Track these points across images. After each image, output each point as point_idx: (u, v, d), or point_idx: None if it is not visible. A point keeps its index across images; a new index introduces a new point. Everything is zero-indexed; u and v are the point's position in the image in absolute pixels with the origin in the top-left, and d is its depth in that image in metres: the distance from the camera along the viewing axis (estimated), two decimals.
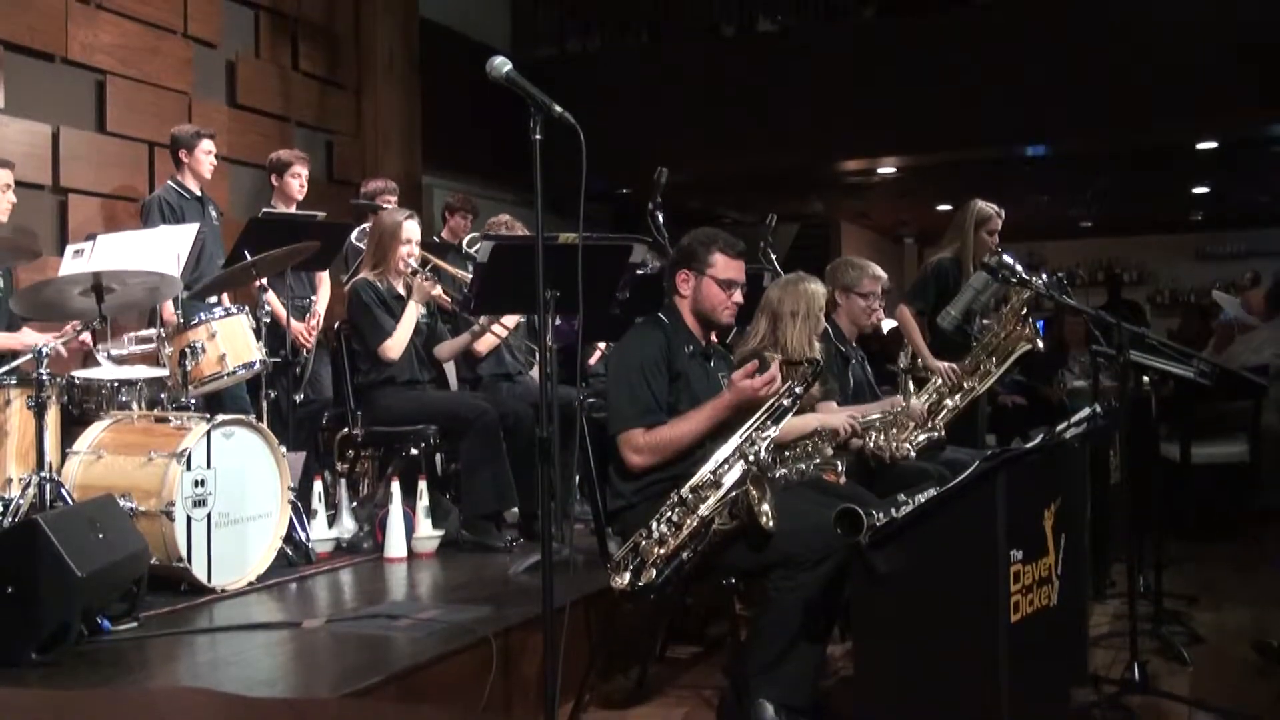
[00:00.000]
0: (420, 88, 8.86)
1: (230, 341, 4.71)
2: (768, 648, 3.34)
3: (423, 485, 4.98)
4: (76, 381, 4.46)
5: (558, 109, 2.93)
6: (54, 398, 4.23)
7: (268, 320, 5.10)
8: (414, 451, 5.13)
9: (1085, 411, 3.76)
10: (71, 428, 4.41)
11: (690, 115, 10.04)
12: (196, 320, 4.69)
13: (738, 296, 3.75)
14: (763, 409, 3.47)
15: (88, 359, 4.71)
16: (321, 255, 5.36)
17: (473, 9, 10.25)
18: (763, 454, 3.39)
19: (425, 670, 3.26)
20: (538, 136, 2.94)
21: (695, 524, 3.33)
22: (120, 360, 4.60)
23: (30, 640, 3.25)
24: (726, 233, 3.81)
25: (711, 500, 3.34)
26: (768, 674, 3.32)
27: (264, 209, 5.86)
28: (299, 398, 5.59)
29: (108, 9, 6.55)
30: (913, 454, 4.51)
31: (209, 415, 4.38)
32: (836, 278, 4.83)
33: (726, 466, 3.37)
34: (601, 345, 5.75)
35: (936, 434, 4.72)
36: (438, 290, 5.19)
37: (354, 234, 5.99)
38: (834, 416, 4.24)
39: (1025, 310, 4.87)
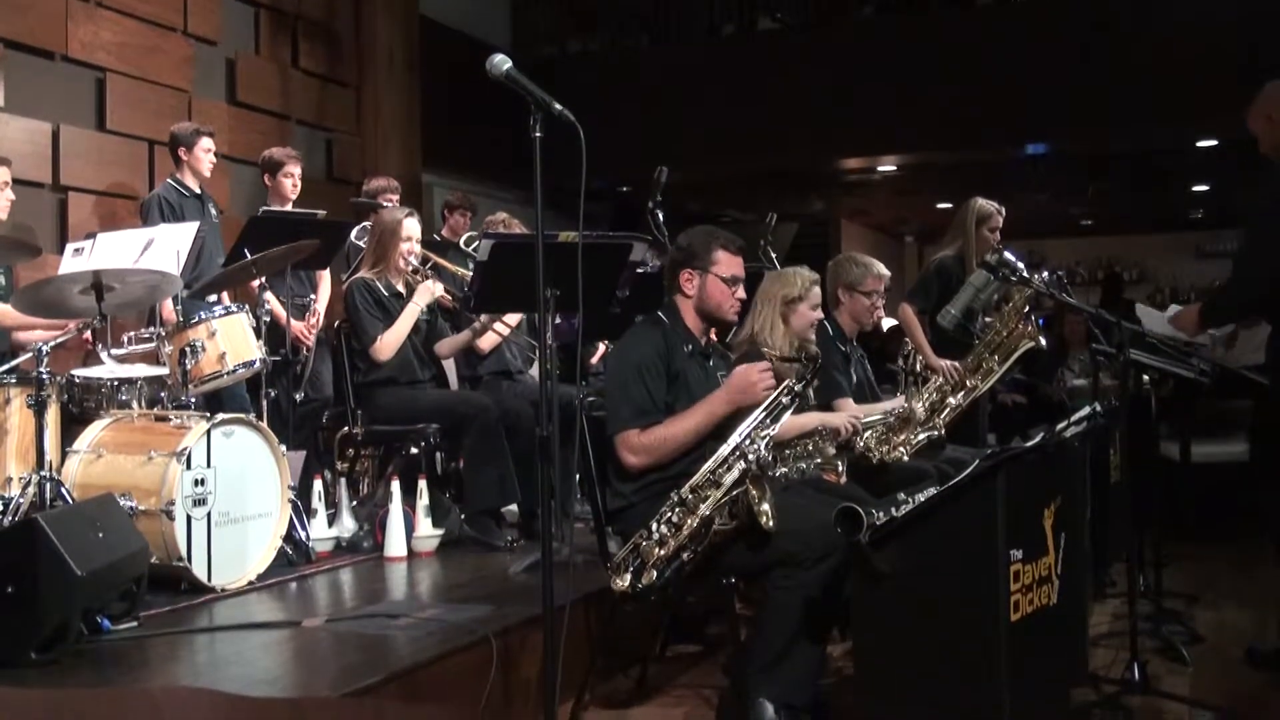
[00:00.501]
0: (420, 86, 8.86)
1: (230, 340, 4.70)
2: (768, 647, 3.34)
3: (423, 484, 4.98)
4: (76, 380, 4.45)
5: (557, 107, 2.93)
6: (54, 396, 4.22)
7: (268, 319, 5.09)
8: (414, 450, 5.13)
9: (1085, 410, 3.76)
10: (71, 426, 4.40)
11: (690, 115, 10.03)
12: (196, 319, 4.69)
13: (740, 293, 3.77)
14: (762, 407, 3.47)
15: (88, 358, 4.71)
16: (321, 254, 5.36)
17: (473, 7, 10.25)
18: (762, 453, 3.38)
19: (425, 669, 3.26)
20: (537, 135, 2.94)
21: (695, 524, 3.33)
22: (120, 359, 4.59)
23: (30, 640, 3.25)
24: (723, 230, 3.82)
25: (711, 500, 3.34)
26: (768, 673, 3.32)
27: (263, 208, 5.86)
28: (299, 396, 5.59)
29: (108, 7, 6.55)
30: (906, 456, 4.51)
31: (209, 414, 4.38)
32: (839, 275, 4.81)
33: (726, 466, 3.37)
34: (604, 344, 5.74)
35: (937, 433, 4.72)
36: (440, 291, 5.18)
37: (354, 232, 5.99)
38: (835, 415, 4.24)
39: (1027, 308, 4.86)
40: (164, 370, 4.60)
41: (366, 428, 5.21)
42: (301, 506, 4.80)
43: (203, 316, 4.71)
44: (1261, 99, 4.29)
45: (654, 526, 3.37)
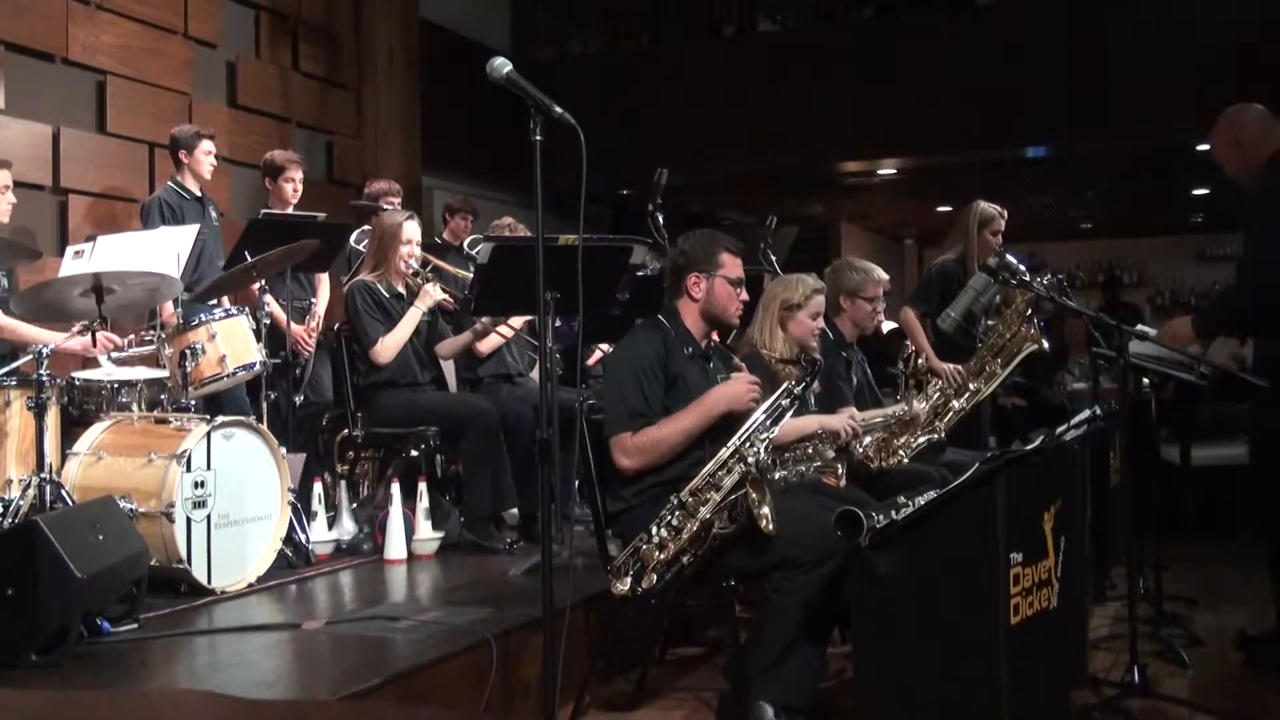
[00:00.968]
0: (420, 88, 8.86)
1: (230, 343, 4.71)
2: (768, 649, 3.35)
3: (423, 487, 4.97)
4: (76, 382, 4.46)
5: (557, 109, 2.93)
6: (54, 399, 4.23)
7: (268, 322, 5.10)
8: (414, 453, 5.13)
9: (1085, 413, 3.76)
10: (71, 429, 4.41)
11: (690, 115, 10.03)
12: (196, 321, 4.70)
13: (744, 295, 3.79)
14: (761, 409, 3.47)
15: (88, 360, 4.71)
16: (321, 256, 5.36)
17: (473, 10, 10.26)
18: (762, 455, 3.38)
19: (425, 672, 3.26)
20: (538, 137, 2.94)
21: (695, 528, 3.33)
22: (120, 361, 4.60)
23: (30, 642, 3.25)
24: (723, 233, 3.83)
25: (711, 503, 3.34)
26: (768, 676, 3.32)
27: (263, 210, 5.86)
28: (299, 399, 5.59)
29: (108, 9, 6.56)
30: (905, 460, 4.51)
31: (209, 416, 4.38)
32: (840, 281, 4.80)
33: (725, 469, 3.37)
34: (603, 347, 5.74)
35: (937, 436, 4.72)
36: (441, 295, 5.17)
37: (354, 235, 5.98)
38: (834, 418, 4.24)
39: (1029, 311, 4.86)
40: (164, 373, 4.61)
41: (366, 430, 5.21)
42: (301, 509, 4.80)
43: (203, 319, 4.71)
44: (1225, 124, 4.28)
45: (654, 530, 3.37)
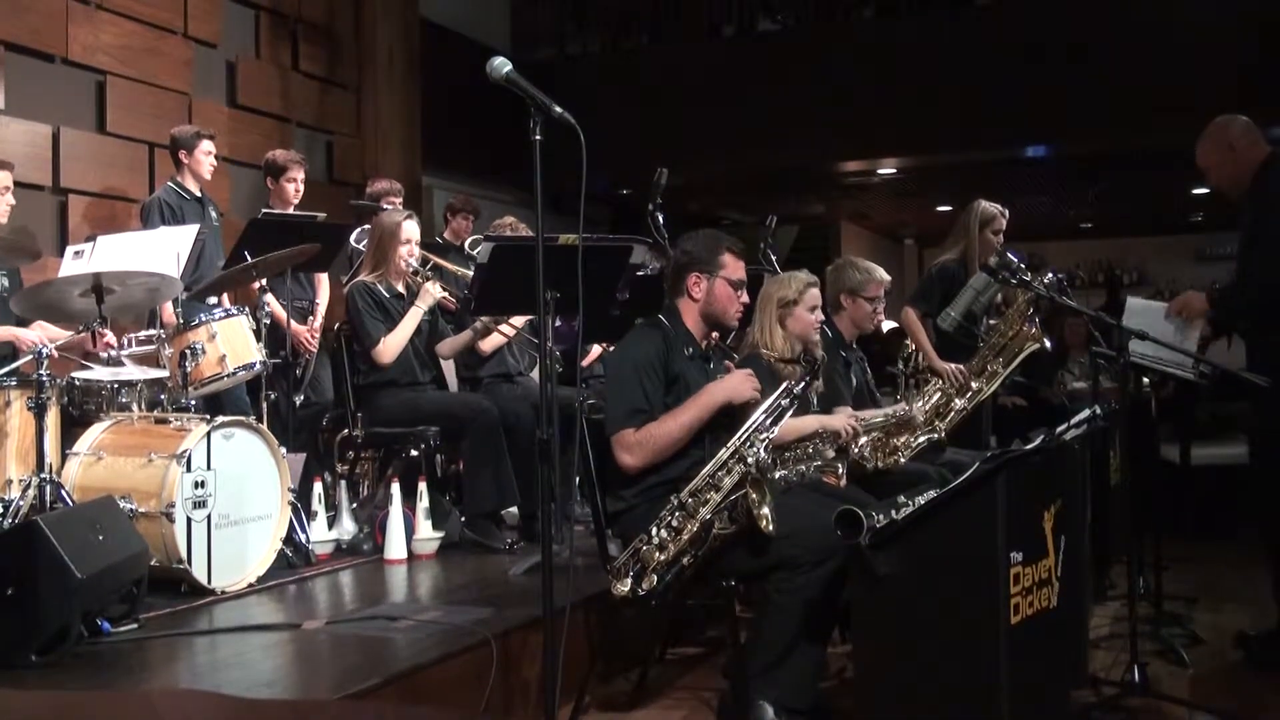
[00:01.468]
0: (420, 88, 8.86)
1: (230, 342, 4.71)
2: (768, 649, 3.35)
3: (423, 487, 4.98)
4: (76, 383, 4.46)
5: (557, 109, 2.93)
6: (54, 399, 4.23)
7: (268, 321, 5.10)
8: (414, 453, 5.13)
9: (1085, 413, 3.76)
10: (71, 429, 4.41)
11: (690, 115, 10.03)
12: (196, 321, 4.70)
13: (745, 296, 3.78)
14: (761, 409, 3.47)
15: (87, 358, 4.71)
16: (321, 256, 5.36)
17: (473, 9, 10.26)
18: (761, 455, 3.38)
19: (425, 672, 3.26)
20: (537, 137, 2.94)
21: (695, 529, 3.33)
22: (120, 361, 4.59)
23: (30, 642, 3.26)
24: (725, 234, 3.82)
25: (711, 504, 3.33)
26: (768, 675, 3.32)
27: (263, 210, 5.86)
28: (299, 399, 5.59)
29: (108, 9, 6.56)
30: (903, 460, 4.51)
31: (209, 416, 4.39)
32: (841, 280, 4.80)
33: (725, 470, 3.37)
34: (597, 348, 5.74)
35: (937, 435, 4.72)
36: (441, 294, 5.17)
37: (354, 235, 5.98)
38: (834, 418, 4.24)
39: (1031, 310, 4.86)
40: (164, 373, 4.61)
41: (366, 430, 5.21)
42: (301, 509, 4.80)
43: (203, 319, 4.72)
44: (1215, 133, 4.38)
45: (654, 531, 3.37)
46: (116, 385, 4.50)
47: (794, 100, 9.89)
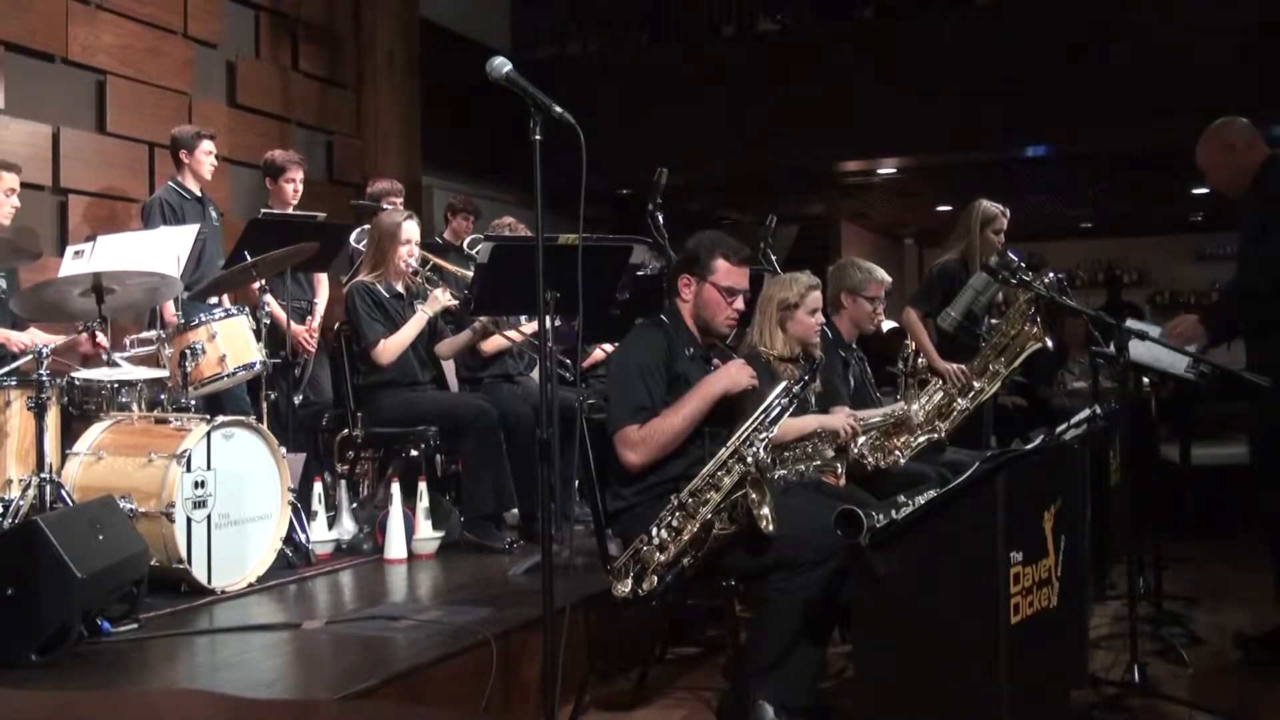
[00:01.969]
0: (420, 88, 8.86)
1: (230, 342, 4.71)
2: (768, 649, 3.35)
3: (423, 486, 4.98)
4: (76, 382, 4.46)
5: (557, 109, 2.93)
6: (54, 398, 4.23)
7: (268, 322, 5.10)
8: (414, 453, 5.13)
9: (1085, 413, 3.76)
10: (71, 429, 4.41)
11: (690, 115, 10.03)
12: (197, 321, 4.70)
13: (739, 304, 3.72)
14: (761, 409, 3.47)
15: (87, 360, 4.72)
16: (321, 256, 5.36)
17: (472, 9, 10.25)
18: (761, 455, 3.38)
19: (425, 672, 3.26)
20: (537, 137, 2.94)
21: (696, 529, 3.33)
22: (120, 361, 4.60)
23: (30, 641, 3.26)
24: (733, 238, 3.75)
25: (711, 504, 3.33)
26: (768, 675, 3.32)
27: (263, 210, 5.86)
28: (299, 399, 5.59)
29: (108, 9, 6.56)
30: (902, 460, 4.51)
31: (209, 416, 4.39)
32: (842, 280, 4.80)
33: (725, 469, 3.36)
34: (605, 347, 5.75)
35: (937, 435, 4.72)
36: (448, 300, 5.16)
37: (353, 235, 5.98)
38: (834, 418, 4.23)
39: (1032, 309, 4.86)
40: (164, 372, 4.61)
41: (366, 430, 5.21)
42: (301, 509, 4.80)
43: (203, 319, 4.72)
44: (1215, 134, 4.39)
45: (654, 531, 3.37)
46: (116, 385, 4.50)
47: (794, 100, 9.88)
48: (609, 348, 5.71)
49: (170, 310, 5.06)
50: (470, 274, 5.11)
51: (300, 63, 8.06)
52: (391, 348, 5.06)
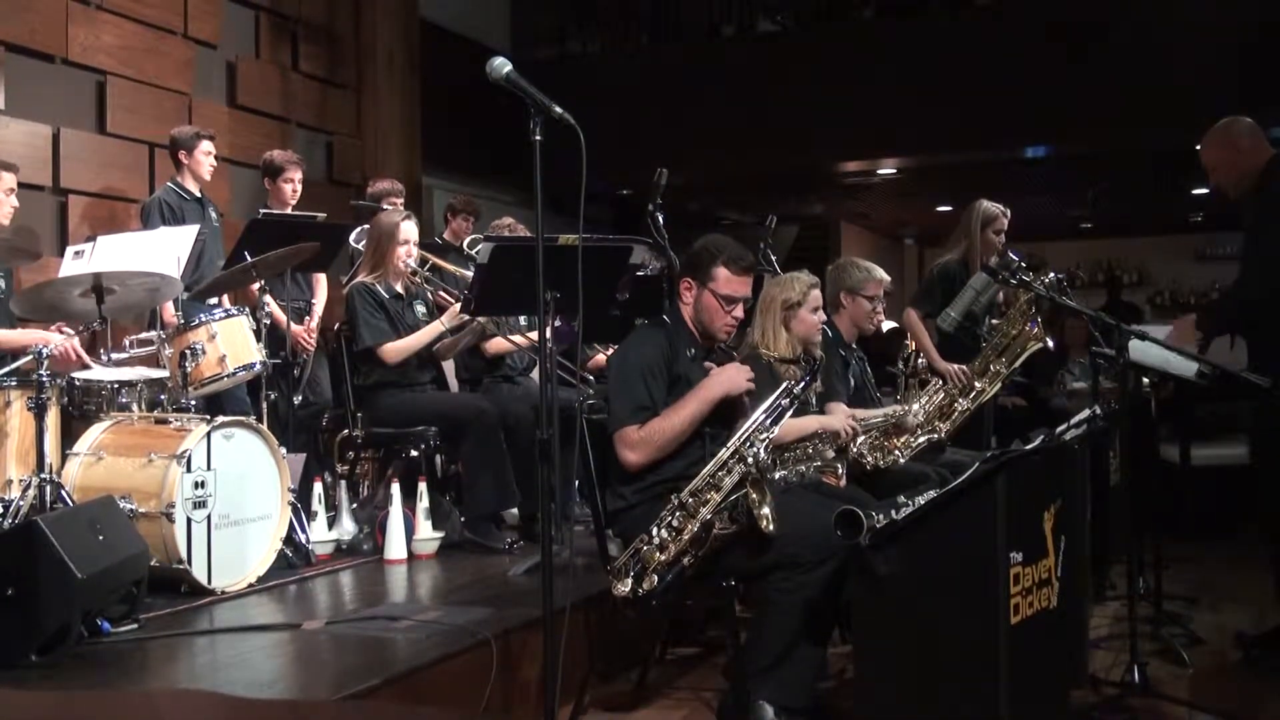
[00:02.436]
0: (420, 88, 8.86)
1: (230, 343, 4.71)
2: (768, 650, 3.35)
3: (423, 487, 4.98)
4: (76, 383, 4.46)
5: (557, 110, 2.93)
6: (54, 399, 4.23)
7: (268, 322, 5.10)
8: (414, 453, 5.13)
9: (1085, 413, 3.76)
10: (71, 429, 4.41)
11: (690, 115, 10.02)
12: (196, 321, 4.70)
13: (738, 312, 3.71)
14: (761, 409, 3.47)
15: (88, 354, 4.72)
16: (321, 257, 5.36)
17: (473, 10, 10.25)
18: (761, 455, 3.38)
19: (425, 672, 3.26)
20: (538, 137, 2.94)
21: (696, 529, 3.33)
22: (120, 361, 4.60)
23: (30, 642, 3.26)
24: (737, 244, 3.73)
25: (711, 504, 3.33)
26: (768, 676, 3.33)
27: (262, 210, 5.86)
28: (298, 400, 5.59)
29: (108, 10, 6.55)
30: (901, 460, 4.50)
31: (209, 417, 4.39)
32: (841, 279, 4.81)
33: (725, 470, 3.36)
34: (601, 356, 5.75)
35: (937, 435, 4.72)
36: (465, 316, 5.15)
37: (354, 235, 5.98)
38: (834, 418, 4.23)
39: (1033, 309, 4.86)
40: (164, 373, 4.61)
41: (366, 430, 5.22)
42: (301, 509, 4.80)
43: (203, 319, 4.72)
44: (1220, 133, 4.38)
45: (654, 531, 3.37)
46: (116, 385, 4.50)
47: (794, 100, 9.88)
48: (603, 356, 5.72)
49: (170, 311, 5.06)
50: (470, 274, 5.11)
51: (300, 63, 8.06)
52: (399, 350, 5.05)
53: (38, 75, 6.19)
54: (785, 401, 3.52)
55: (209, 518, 4.19)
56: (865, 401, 4.77)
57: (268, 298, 5.27)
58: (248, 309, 5.11)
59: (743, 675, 3.41)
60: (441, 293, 5.37)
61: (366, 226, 5.68)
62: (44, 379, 4.05)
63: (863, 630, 3.14)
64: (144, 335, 4.79)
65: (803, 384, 3.62)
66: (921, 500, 3.05)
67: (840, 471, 4.14)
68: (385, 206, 6.20)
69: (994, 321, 5.30)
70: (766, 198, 12.41)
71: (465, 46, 9.66)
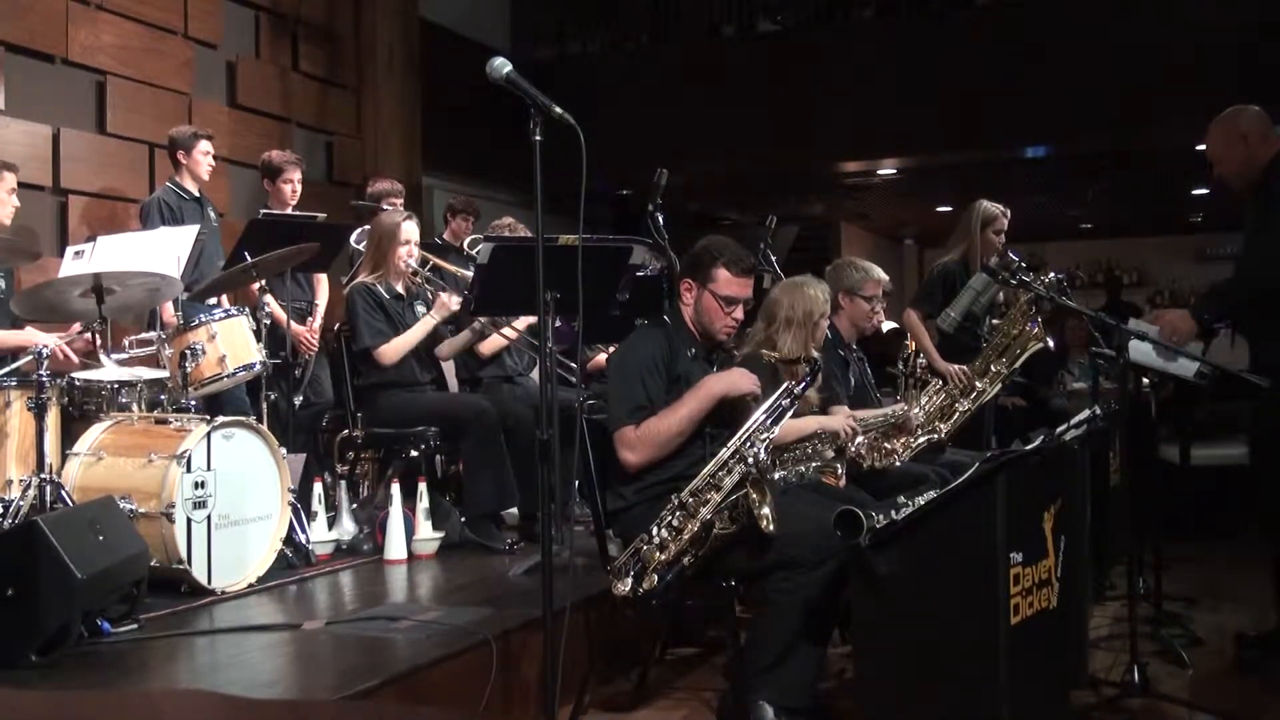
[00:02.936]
0: (420, 88, 8.86)
1: (230, 343, 4.71)
2: (768, 650, 3.35)
3: (423, 487, 4.98)
4: (76, 383, 4.46)
5: (557, 110, 2.93)
6: (54, 399, 4.23)
7: (268, 322, 5.10)
8: (414, 453, 5.13)
9: (1085, 413, 3.76)
10: (71, 429, 4.40)
11: (690, 115, 10.03)
12: (196, 322, 4.70)
13: (738, 314, 3.71)
14: (762, 409, 3.47)
15: (87, 357, 4.71)
16: (321, 257, 5.36)
17: (473, 9, 10.25)
18: (762, 455, 3.38)
19: (425, 672, 3.26)
20: (538, 137, 2.94)
21: (696, 528, 3.33)
22: (120, 361, 4.60)
23: (30, 642, 3.25)
24: (738, 246, 3.72)
25: (712, 504, 3.33)
26: (767, 676, 3.33)
27: (262, 210, 5.86)
28: (299, 400, 5.59)
29: (108, 10, 6.56)
30: (899, 462, 4.50)
31: (209, 417, 4.39)
32: (839, 279, 4.80)
33: (726, 470, 3.37)
34: (602, 356, 5.75)
35: (937, 436, 4.72)
36: (456, 306, 5.15)
37: (354, 235, 5.98)
38: (834, 419, 4.23)
39: (1033, 309, 4.86)
40: (164, 373, 4.61)
41: (366, 430, 5.22)
42: (301, 509, 4.80)
43: (203, 319, 4.72)
44: (1226, 123, 4.28)
45: (654, 530, 3.37)
46: (116, 385, 4.50)
47: (794, 100, 9.89)
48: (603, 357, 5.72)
49: (169, 311, 5.06)
50: (470, 274, 5.11)
51: (300, 63, 8.06)
52: (396, 349, 5.06)
53: (38, 75, 6.19)
54: (785, 402, 3.52)
55: (209, 518, 4.19)
56: (865, 402, 4.76)
57: (268, 298, 5.27)
58: (248, 309, 5.11)
59: (743, 675, 3.41)
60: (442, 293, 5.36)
61: (367, 227, 5.68)
62: (44, 379, 4.05)
63: (863, 630, 3.14)
64: (144, 335, 4.79)
65: (804, 385, 3.62)
66: (921, 500, 3.06)
67: (840, 472, 4.13)
68: (385, 207, 6.20)
69: (994, 322, 5.30)
70: (766, 198, 12.41)
71: (465, 46, 9.66)
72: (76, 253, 4.90)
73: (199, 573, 4.12)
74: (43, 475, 4.01)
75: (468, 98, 8.46)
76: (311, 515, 4.89)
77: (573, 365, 5.39)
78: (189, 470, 4.12)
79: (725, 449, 3.40)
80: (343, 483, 5.36)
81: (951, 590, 2.94)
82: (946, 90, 9.47)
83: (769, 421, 3.45)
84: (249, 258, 4.90)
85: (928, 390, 4.95)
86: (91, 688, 3.11)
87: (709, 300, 3.67)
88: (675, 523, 3.36)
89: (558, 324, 4.84)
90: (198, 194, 5.84)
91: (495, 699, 3.39)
